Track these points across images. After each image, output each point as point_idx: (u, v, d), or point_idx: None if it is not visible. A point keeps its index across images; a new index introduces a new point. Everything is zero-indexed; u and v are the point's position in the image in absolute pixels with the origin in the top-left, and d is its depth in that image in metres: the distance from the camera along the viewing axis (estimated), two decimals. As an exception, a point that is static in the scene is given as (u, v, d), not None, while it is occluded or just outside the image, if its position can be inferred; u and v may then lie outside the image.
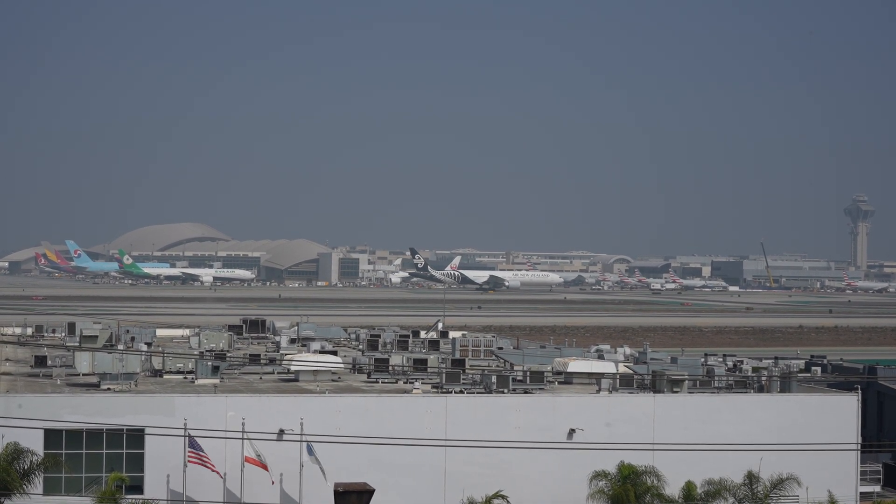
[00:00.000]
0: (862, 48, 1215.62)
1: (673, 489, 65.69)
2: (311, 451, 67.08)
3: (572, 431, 73.40)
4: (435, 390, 77.48)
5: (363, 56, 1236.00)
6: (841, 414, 77.83)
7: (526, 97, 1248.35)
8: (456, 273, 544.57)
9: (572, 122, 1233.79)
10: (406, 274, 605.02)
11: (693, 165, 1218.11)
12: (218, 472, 66.82)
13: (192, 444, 65.74)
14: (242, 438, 66.94)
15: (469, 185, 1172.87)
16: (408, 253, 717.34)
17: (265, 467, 66.96)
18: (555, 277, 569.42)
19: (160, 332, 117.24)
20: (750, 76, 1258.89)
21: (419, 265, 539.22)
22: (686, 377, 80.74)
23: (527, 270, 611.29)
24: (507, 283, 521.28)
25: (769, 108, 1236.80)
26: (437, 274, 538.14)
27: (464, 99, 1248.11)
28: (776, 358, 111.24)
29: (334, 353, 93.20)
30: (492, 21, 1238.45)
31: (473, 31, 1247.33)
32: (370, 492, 67.26)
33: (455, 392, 76.13)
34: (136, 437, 68.00)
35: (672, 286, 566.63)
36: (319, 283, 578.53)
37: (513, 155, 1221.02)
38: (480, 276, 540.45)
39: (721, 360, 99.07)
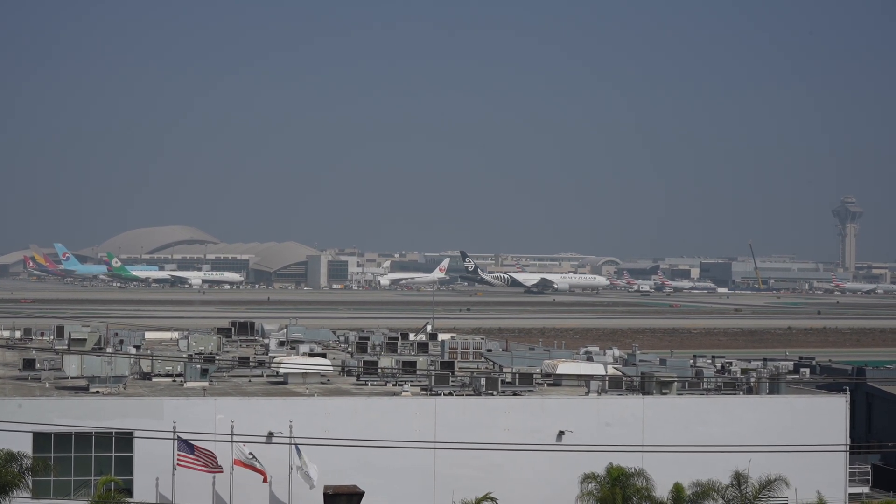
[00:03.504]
0: (854, 49, 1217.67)
1: (662, 491, 65.74)
2: (299, 455, 67.07)
3: (561, 433, 73.48)
4: (424, 392, 77.53)
5: (352, 60, 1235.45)
6: (830, 415, 78.01)
7: (514, 98, 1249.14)
8: (505, 276, 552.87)
9: (560, 123, 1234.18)
10: (395, 276, 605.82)
11: (682, 167, 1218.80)
12: (218, 470, 66.61)
13: (185, 446, 65.63)
14: (231, 441, 66.92)
15: (457, 188, 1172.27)
16: (397, 255, 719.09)
17: (259, 470, 67.02)
18: (601, 280, 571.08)
19: (149, 335, 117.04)
20: (742, 77, 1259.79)
21: (469, 268, 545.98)
22: (675, 379, 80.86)
23: (573, 273, 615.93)
24: (555, 286, 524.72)
25: (760, 110, 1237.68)
26: (487, 277, 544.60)
27: (451, 101, 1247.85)
28: (765, 359, 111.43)
29: (323, 355, 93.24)
30: (483, 21, 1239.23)
31: (464, 32, 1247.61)
32: (360, 494, 67.26)
33: (444, 394, 76.20)
34: (125, 440, 67.91)
35: (648, 287, 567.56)
36: (335, 287, 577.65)
37: (500, 156, 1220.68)
38: (530, 278, 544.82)
39: (710, 361, 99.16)
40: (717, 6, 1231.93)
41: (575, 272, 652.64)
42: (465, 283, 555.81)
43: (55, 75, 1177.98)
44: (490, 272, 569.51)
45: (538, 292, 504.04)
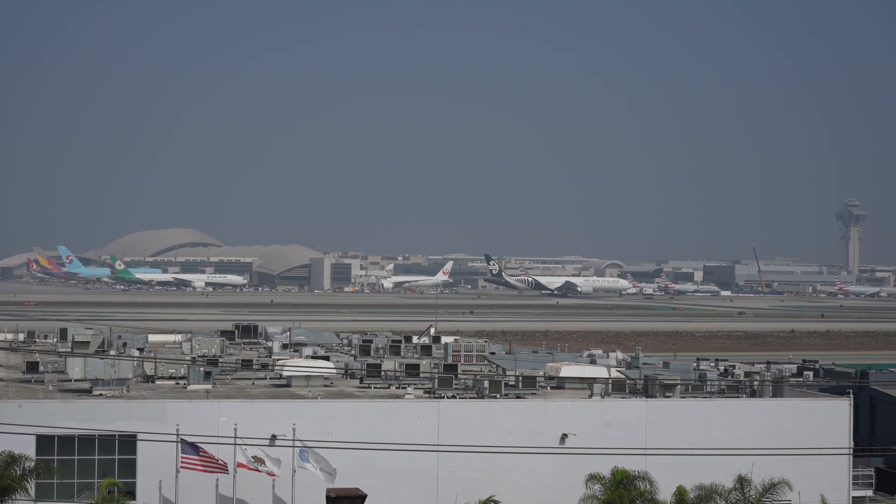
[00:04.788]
0: (855, 50, 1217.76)
1: (665, 494, 65.72)
2: (305, 458, 67.08)
3: (565, 436, 73.47)
4: (427, 395, 77.52)
5: (354, 61, 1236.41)
6: (833, 418, 77.96)
7: (517, 100, 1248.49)
8: (529, 279, 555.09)
9: (564, 126, 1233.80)
10: (398, 279, 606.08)
11: (685, 169, 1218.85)
12: (223, 470, 66.49)
13: (189, 448, 65.60)
14: (235, 444, 66.93)
15: (461, 190, 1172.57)
16: (400, 258, 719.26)
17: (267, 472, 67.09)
18: (624, 283, 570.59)
19: (152, 338, 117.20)
20: (743, 78, 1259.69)
21: (493, 271, 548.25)
22: (678, 382, 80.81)
23: (597, 277, 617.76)
24: (580, 289, 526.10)
25: (762, 111, 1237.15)
26: (511, 280, 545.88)
27: (454, 103, 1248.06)
28: (768, 362, 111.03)
29: (326, 358, 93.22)
30: (482, 22, 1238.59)
31: (463, 33, 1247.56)
32: (362, 497, 67.20)
33: (447, 397, 76.17)
34: (129, 442, 67.94)
35: (651, 290, 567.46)
36: (346, 290, 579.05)
37: (504, 159, 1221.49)
38: (554, 282, 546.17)
39: (713, 364, 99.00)
40: (717, 6, 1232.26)
41: (578, 275, 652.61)
42: (492, 286, 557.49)
43: (58, 76, 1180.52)
44: (513, 275, 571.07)
45: (561, 295, 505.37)
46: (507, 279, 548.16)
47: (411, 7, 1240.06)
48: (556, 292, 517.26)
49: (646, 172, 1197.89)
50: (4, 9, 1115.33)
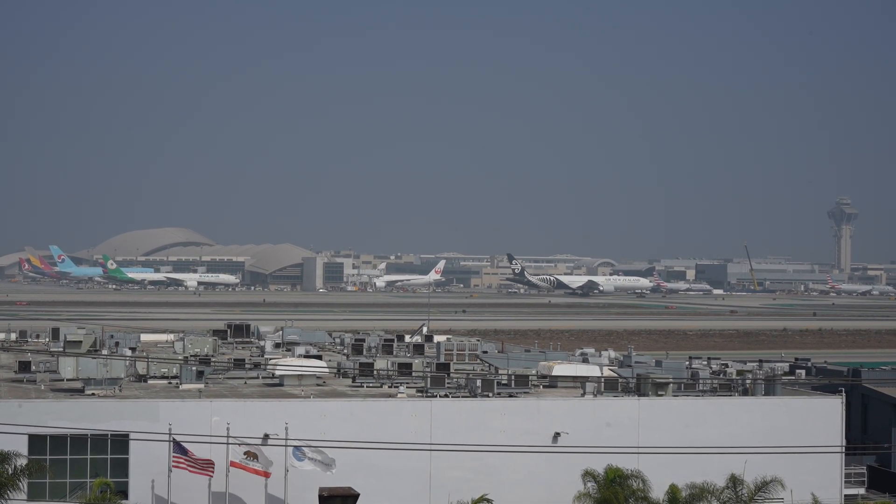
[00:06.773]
0: (854, 49, 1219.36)
1: (657, 492, 65.70)
2: (299, 457, 67.04)
3: (557, 435, 73.47)
4: (420, 394, 77.51)
5: (348, 63, 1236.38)
6: (825, 416, 78.02)
7: (509, 99, 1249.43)
8: (552, 279, 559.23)
9: (555, 124, 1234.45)
10: (391, 278, 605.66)
11: (677, 168, 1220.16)
12: (209, 474, 66.51)
13: (180, 448, 65.59)
14: (227, 443, 66.88)
15: (452, 189, 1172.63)
16: (392, 257, 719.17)
17: (259, 471, 66.93)
18: (644, 282, 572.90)
19: (144, 338, 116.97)
20: (740, 77, 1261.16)
21: (516, 271, 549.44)
22: (671, 380, 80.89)
23: (619, 276, 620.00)
24: (601, 288, 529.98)
25: (757, 111, 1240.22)
26: (533, 279, 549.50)
27: (446, 103, 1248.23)
28: (760, 361, 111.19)
29: (319, 357, 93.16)
30: (479, 24, 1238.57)
31: (462, 35, 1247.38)
32: (355, 496, 67.14)
33: (440, 396, 76.16)
34: (121, 442, 67.85)
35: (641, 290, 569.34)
36: (349, 289, 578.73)
37: (497, 158, 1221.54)
38: (576, 280, 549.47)
39: (705, 363, 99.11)
40: (716, 6, 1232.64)
41: (570, 274, 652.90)
42: (519, 286, 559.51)
43: (53, 77, 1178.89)
44: (536, 274, 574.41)
45: (583, 294, 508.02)
46: (529, 278, 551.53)
47: (408, 10, 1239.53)
48: (577, 291, 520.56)
49: (639, 172, 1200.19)
50: (4, 10, 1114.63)
